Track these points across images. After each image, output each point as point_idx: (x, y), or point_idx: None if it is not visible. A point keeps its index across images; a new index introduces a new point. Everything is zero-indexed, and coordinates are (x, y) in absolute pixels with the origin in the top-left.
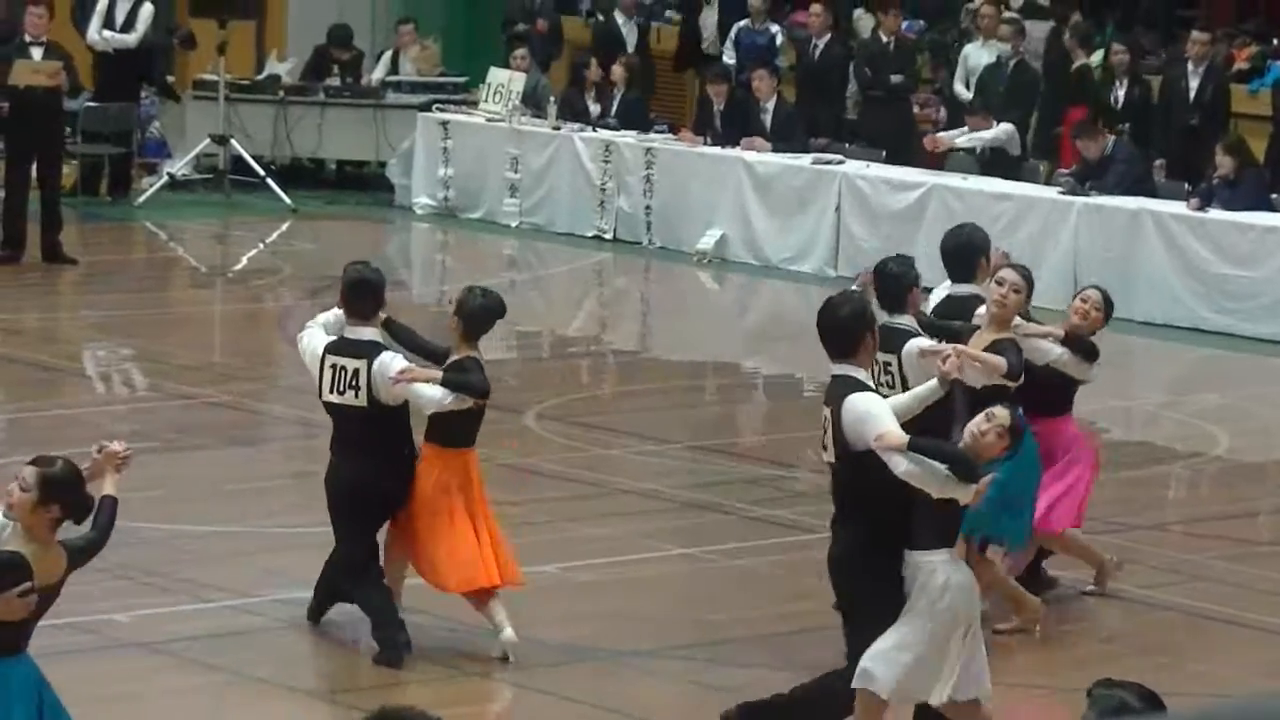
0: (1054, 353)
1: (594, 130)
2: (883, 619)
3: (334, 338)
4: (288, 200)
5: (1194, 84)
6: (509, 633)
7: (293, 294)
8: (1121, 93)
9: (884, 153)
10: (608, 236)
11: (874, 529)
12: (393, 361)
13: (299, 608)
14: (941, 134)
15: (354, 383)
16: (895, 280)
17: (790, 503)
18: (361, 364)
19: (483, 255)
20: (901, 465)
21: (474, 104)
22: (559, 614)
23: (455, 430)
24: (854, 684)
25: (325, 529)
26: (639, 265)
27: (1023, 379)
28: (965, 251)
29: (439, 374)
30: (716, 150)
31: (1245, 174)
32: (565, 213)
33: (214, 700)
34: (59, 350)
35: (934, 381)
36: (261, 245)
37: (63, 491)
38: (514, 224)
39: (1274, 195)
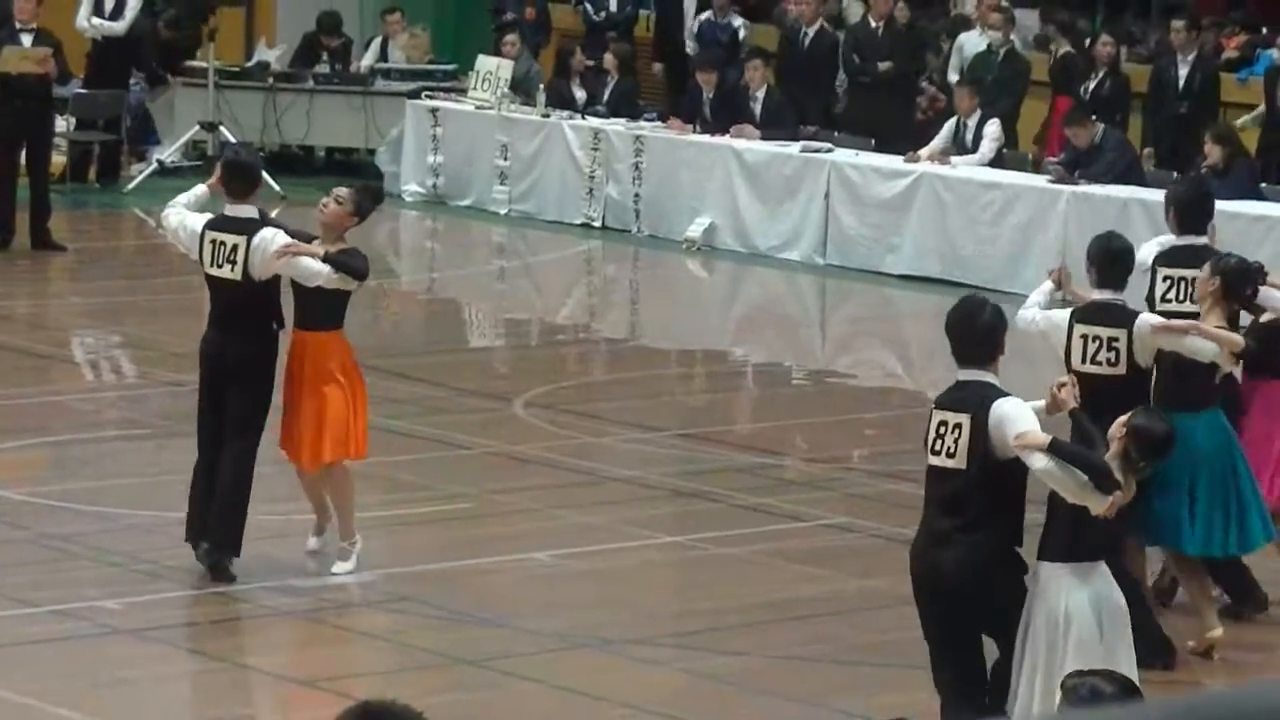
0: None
1: (583, 118)
2: (1014, 631)
3: (211, 215)
4: (277, 187)
5: (1183, 73)
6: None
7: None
8: (1092, 84)
9: (873, 141)
10: (597, 224)
11: (1003, 538)
12: (275, 237)
13: (289, 595)
14: (925, 150)
15: (231, 257)
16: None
17: (779, 490)
18: (241, 240)
19: (472, 242)
20: (1040, 463)
21: (463, 91)
22: (549, 602)
23: (322, 312)
24: None
25: (311, 517)
26: (628, 253)
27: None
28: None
29: (321, 250)
30: (705, 138)
31: (1235, 163)
32: (554, 200)
33: (204, 687)
34: (48, 337)
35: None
36: None
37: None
38: (503, 211)
39: (1263, 185)
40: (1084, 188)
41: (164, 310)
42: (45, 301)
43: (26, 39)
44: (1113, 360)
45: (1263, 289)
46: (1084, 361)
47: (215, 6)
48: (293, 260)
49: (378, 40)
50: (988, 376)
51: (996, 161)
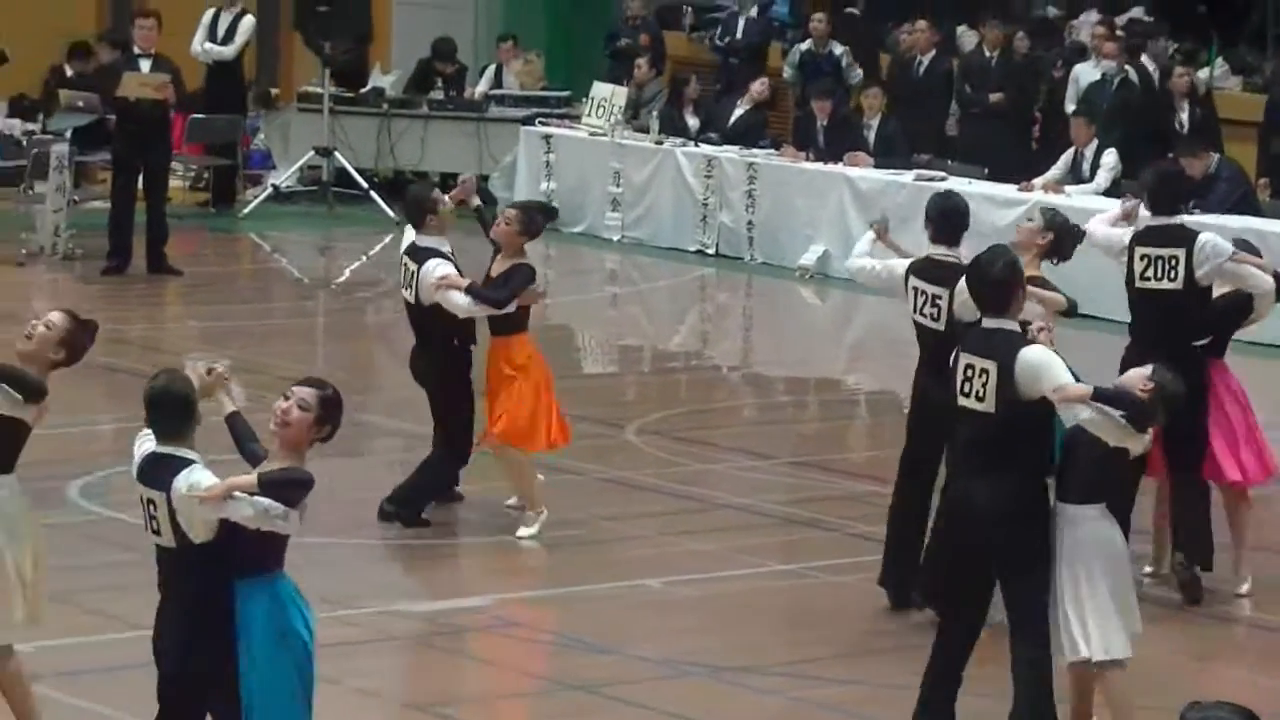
0: (1266, 279)
1: (696, 145)
2: (1044, 572)
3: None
4: (391, 213)
5: None
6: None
7: (394, 306)
8: (1184, 114)
9: (985, 169)
10: (710, 251)
11: (1030, 479)
12: (435, 268)
13: (399, 619)
14: (1039, 179)
15: (409, 281)
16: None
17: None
18: (414, 265)
19: (585, 269)
20: (1085, 413)
21: (576, 118)
22: (659, 628)
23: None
24: (1097, 659)
25: (423, 542)
26: (741, 280)
27: None
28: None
29: (466, 282)
30: (819, 166)
31: None
32: (667, 227)
33: (315, 711)
34: (163, 360)
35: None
36: (364, 257)
37: (337, 413)
38: (616, 238)
39: None
40: (1198, 218)
41: (276, 334)
42: (160, 325)
43: (145, 65)
44: (935, 316)
45: (1234, 264)
46: (915, 312)
47: (369, 36)
48: (444, 294)
49: (492, 67)
50: (1009, 324)
51: (1112, 191)
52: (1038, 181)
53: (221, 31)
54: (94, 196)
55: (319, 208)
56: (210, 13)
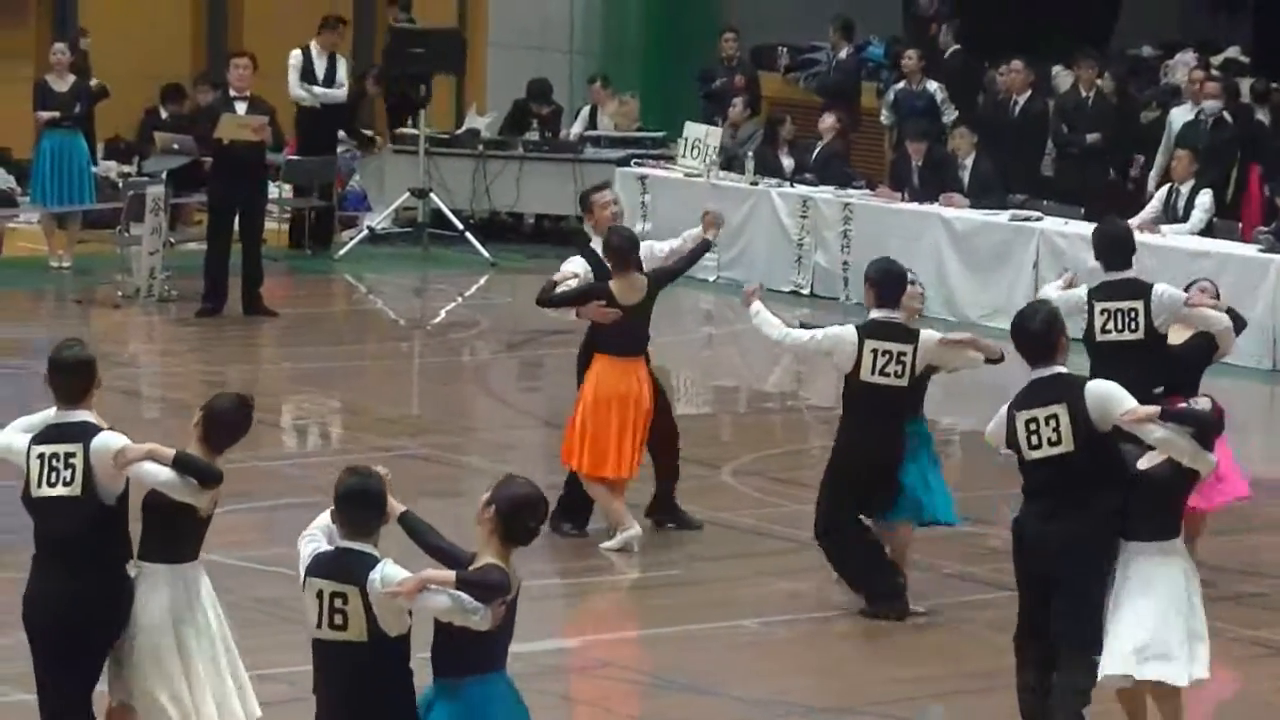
0: (1221, 318)
1: (791, 186)
2: (1100, 602)
3: None
4: (486, 254)
5: None
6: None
7: (490, 348)
8: None
9: (1082, 209)
10: (805, 291)
11: (1108, 514)
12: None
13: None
14: (1135, 219)
15: None
16: (896, 279)
17: (986, 559)
18: None
19: (680, 310)
20: (1157, 432)
21: (671, 159)
22: (755, 669)
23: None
24: (1146, 677)
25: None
26: (836, 321)
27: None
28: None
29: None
30: (914, 206)
31: None
32: (763, 267)
33: None
34: (258, 402)
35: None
36: (459, 299)
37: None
38: (711, 279)
39: None
40: None
41: (373, 375)
42: (256, 367)
43: (241, 106)
44: (899, 373)
45: (1189, 310)
46: (873, 373)
47: (430, 74)
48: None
49: (587, 108)
50: (1059, 369)
51: (1206, 231)
52: (1133, 221)
53: (320, 73)
54: (190, 238)
55: (414, 249)
56: (297, 54)
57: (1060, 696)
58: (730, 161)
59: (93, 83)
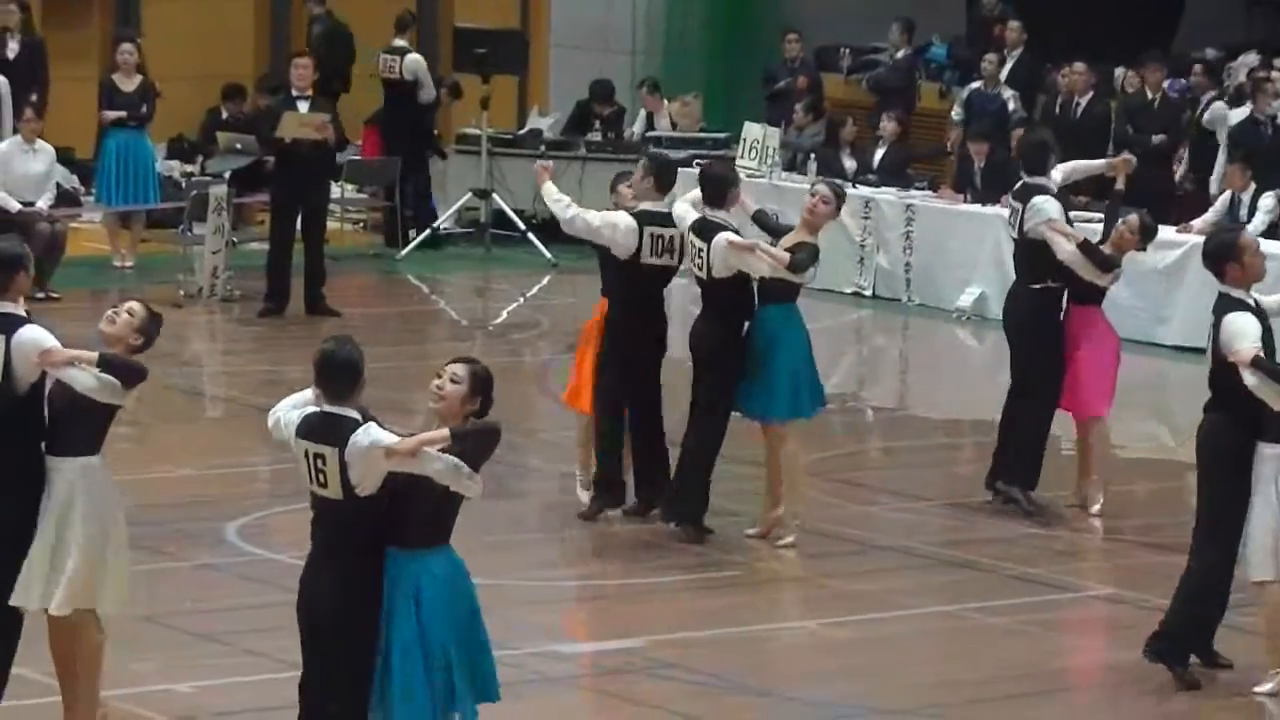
0: (1065, 249)
1: (854, 186)
2: (1238, 501)
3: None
4: (548, 254)
5: None
6: None
7: (552, 348)
8: None
9: (1145, 211)
10: (867, 293)
11: (1237, 418)
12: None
13: (556, 660)
14: (1197, 222)
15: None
16: (717, 180)
17: (1048, 560)
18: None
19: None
20: (1250, 379)
21: (733, 159)
22: (816, 670)
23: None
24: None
25: (576, 584)
26: (898, 322)
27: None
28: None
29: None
30: (976, 208)
31: None
32: (825, 269)
33: None
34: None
35: None
36: (521, 299)
37: (488, 388)
38: None
39: None
40: None
41: (433, 376)
42: None
43: (303, 105)
44: (700, 267)
45: (1055, 237)
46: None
47: (488, 75)
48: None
49: (644, 109)
50: (1231, 290)
51: (1269, 233)
52: (1196, 223)
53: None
54: (252, 238)
55: (477, 249)
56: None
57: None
58: (792, 162)
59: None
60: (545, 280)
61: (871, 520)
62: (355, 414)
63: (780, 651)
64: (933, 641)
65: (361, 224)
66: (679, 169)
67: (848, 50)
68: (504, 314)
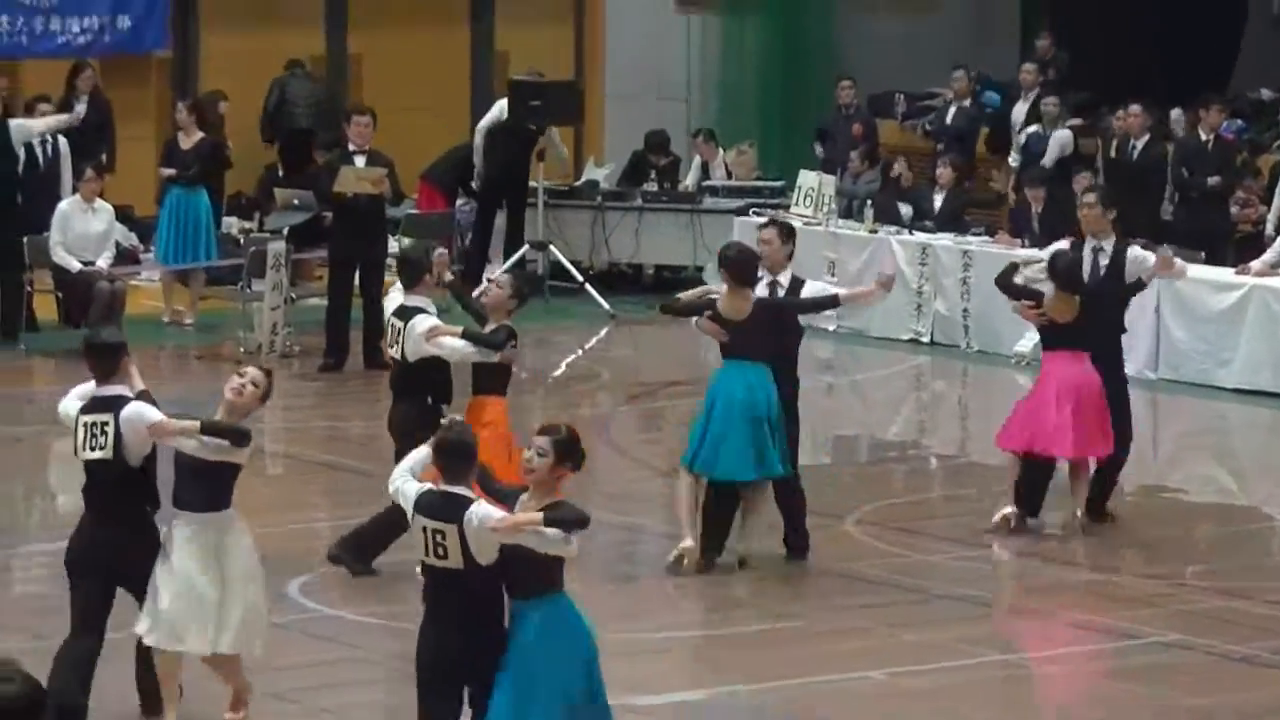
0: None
1: (910, 233)
2: None
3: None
4: (606, 306)
5: None
6: None
7: (611, 399)
8: None
9: (1202, 254)
10: (925, 340)
11: None
12: (423, 321)
13: (620, 713)
14: (1255, 263)
15: (396, 339)
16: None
17: (1111, 607)
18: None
19: (800, 358)
20: None
21: (789, 207)
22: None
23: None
24: None
25: (635, 636)
26: (957, 368)
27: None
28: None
29: (459, 329)
30: (1034, 252)
31: None
32: (882, 316)
33: None
34: (380, 456)
35: None
36: (580, 351)
37: (573, 449)
38: (831, 327)
39: None
40: None
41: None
42: (378, 421)
43: (360, 160)
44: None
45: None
46: None
47: (542, 126)
48: (438, 340)
49: (698, 157)
50: None
51: None
52: (1254, 265)
53: None
54: (311, 294)
55: (534, 301)
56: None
57: None
58: (848, 209)
59: (228, 146)
60: (604, 332)
61: (935, 568)
62: (468, 492)
63: (846, 702)
64: (998, 690)
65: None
66: (737, 218)
67: (902, 96)
68: (563, 366)
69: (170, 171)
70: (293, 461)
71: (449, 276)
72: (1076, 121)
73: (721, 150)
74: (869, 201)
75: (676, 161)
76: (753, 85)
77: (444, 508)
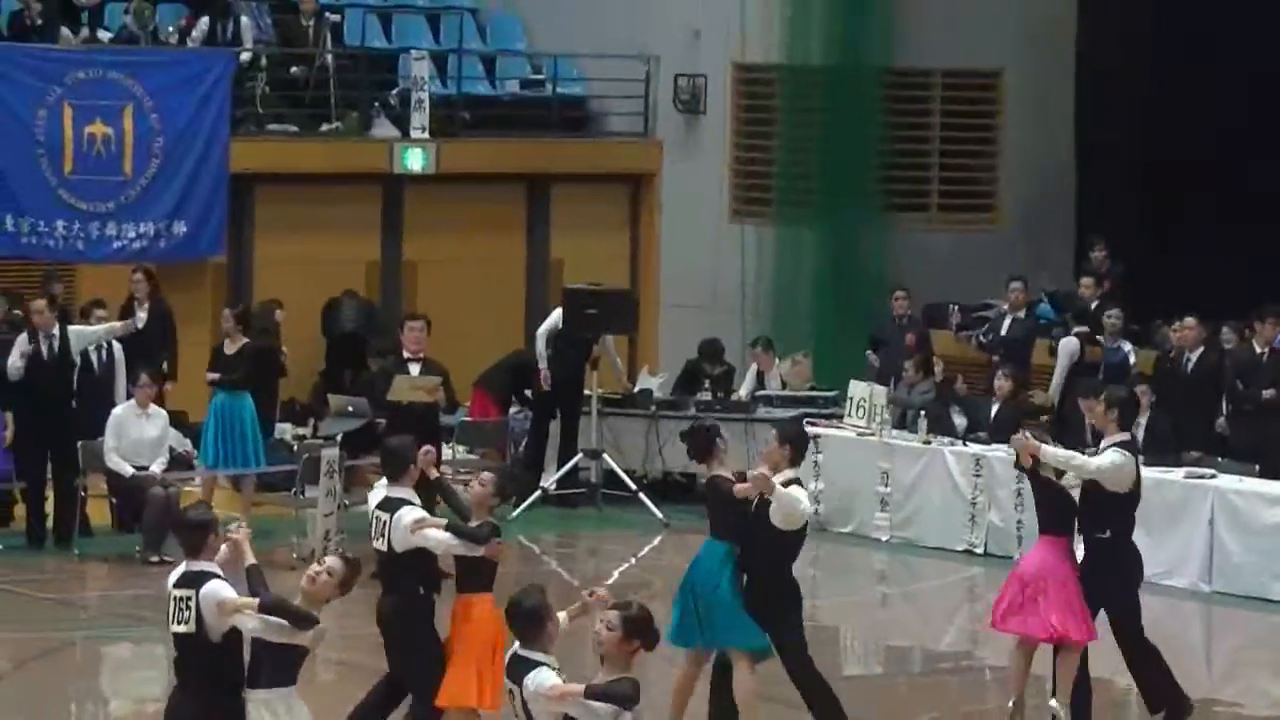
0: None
1: (964, 444)
2: None
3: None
4: (659, 515)
5: None
6: None
7: (664, 609)
8: None
9: (1257, 467)
10: (979, 551)
11: None
12: (409, 513)
13: None
14: None
15: (381, 531)
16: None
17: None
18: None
19: (853, 569)
20: None
21: (843, 418)
22: None
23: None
24: None
25: None
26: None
27: None
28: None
29: (443, 522)
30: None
31: None
32: (936, 527)
33: None
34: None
35: None
36: (633, 560)
37: (643, 626)
38: (885, 538)
39: None
40: None
41: None
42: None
43: (415, 368)
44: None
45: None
46: None
47: (597, 337)
48: (423, 532)
49: (754, 367)
50: None
51: None
52: None
53: None
54: (365, 500)
55: (587, 510)
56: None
57: None
58: (902, 419)
59: (283, 352)
60: (657, 540)
61: None
62: (540, 656)
63: None
64: None
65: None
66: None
67: (956, 307)
68: (615, 574)
69: (214, 376)
70: (344, 668)
71: (434, 473)
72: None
73: (777, 360)
74: (922, 412)
75: (731, 371)
76: (807, 295)
77: (516, 669)
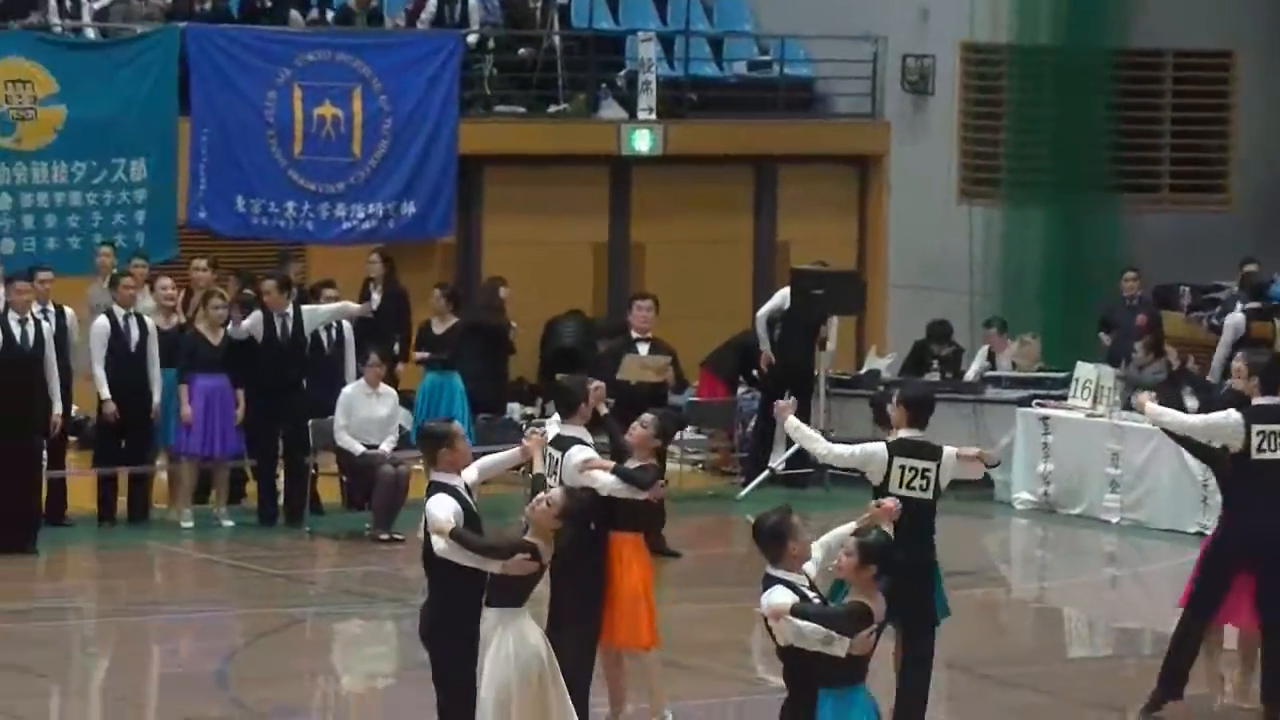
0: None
1: None
2: None
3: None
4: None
5: None
6: None
7: None
8: None
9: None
10: (1210, 532)
11: None
12: (579, 452)
13: None
14: None
15: (554, 469)
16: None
17: None
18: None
19: (1083, 551)
20: None
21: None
22: None
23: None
24: None
25: None
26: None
27: None
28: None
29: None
30: None
31: None
32: (1167, 509)
33: None
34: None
35: None
36: None
37: (878, 554)
38: (1115, 520)
39: None
40: None
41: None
42: (661, 607)
43: (643, 348)
44: (924, 486)
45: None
46: (900, 486)
47: (826, 316)
48: (590, 473)
49: (985, 348)
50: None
51: None
52: None
53: None
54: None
55: (815, 490)
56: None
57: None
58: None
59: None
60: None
61: None
62: (785, 575)
63: None
64: None
65: (700, 465)
66: (1019, 409)
67: (1187, 289)
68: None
69: (423, 355)
70: None
71: (603, 409)
72: None
73: (1010, 341)
74: (1153, 393)
75: (959, 351)
76: (1035, 276)
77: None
